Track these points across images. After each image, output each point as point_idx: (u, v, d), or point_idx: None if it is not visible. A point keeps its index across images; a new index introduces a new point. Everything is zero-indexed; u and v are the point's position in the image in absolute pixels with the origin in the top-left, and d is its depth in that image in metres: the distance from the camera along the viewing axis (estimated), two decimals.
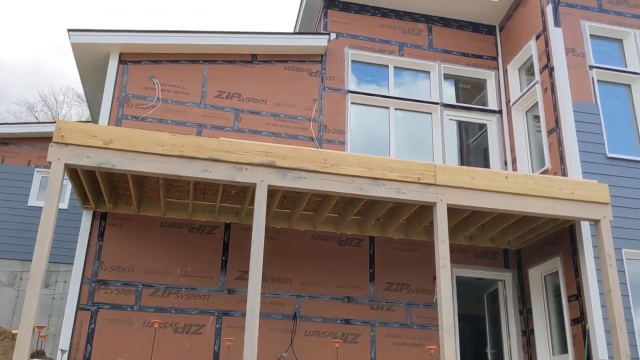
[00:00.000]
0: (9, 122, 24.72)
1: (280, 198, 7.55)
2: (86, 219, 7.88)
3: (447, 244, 6.47)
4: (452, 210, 7.24)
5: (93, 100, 9.97)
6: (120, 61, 8.79)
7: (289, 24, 42.12)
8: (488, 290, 9.32)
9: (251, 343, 5.69)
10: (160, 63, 8.94)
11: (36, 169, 13.02)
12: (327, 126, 9.20)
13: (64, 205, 12.91)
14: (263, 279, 8.13)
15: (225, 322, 7.75)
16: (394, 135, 9.59)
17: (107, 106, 8.46)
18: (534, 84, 9.12)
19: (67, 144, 5.92)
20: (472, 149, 10.57)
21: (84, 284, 7.54)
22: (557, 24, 8.79)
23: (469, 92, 10.62)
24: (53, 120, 28.48)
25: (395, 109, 9.80)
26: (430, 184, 6.66)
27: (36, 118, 31.14)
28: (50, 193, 5.74)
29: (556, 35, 8.72)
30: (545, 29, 8.99)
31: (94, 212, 7.89)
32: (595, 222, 7.08)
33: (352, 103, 9.51)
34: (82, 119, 33.26)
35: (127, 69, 8.78)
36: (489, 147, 9.93)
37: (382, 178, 6.56)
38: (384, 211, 7.79)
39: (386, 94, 9.79)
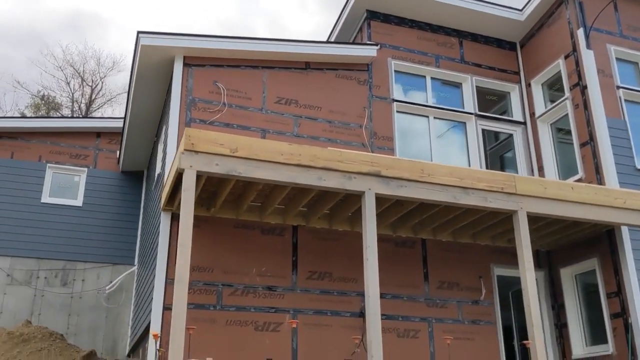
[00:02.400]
0: (16, 116, 23.82)
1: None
2: (165, 221, 7.99)
3: (530, 249, 7.16)
4: (509, 218, 7.95)
5: (140, 100, 9.99)
6: (185, 64, 8.92)
7: (320, 32, 42.52)
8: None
9: (377, 345, 6.12)
10: (222, 67, 9.13)
11: (48, 165, 12.69)
12: (376, 133, 9.70)
13: (78, 202, 12.69)
14: (329, 278, 8.62)
15: (301, 319, 8.11)
16: (435, 142, 10.23)
17: (176, 109, 8.58)
18: (564, 100, 10.00)
19: (197, 152, 6.11)
20: (490, 155, 11.40)
21: (168, 284, 7.69)
22: (588, 46, 9.70)
23: (489, 102, 11.41)
24: (62, 115, 27.19)
25: (434, 117, 10.45)
26: (511, 194, 7.33)
27: None
28: (186, 199, 5.94)
29: (588, 57, 9.63)
30: (575, 49, 9.89)
31: (173, 214, 8.02)
32: None
33: (397, 112, 10.06)
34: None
35: (192, 72, 8.91)
36: (515, 155, 10.77)
37: (471, 187, 7.17)
38: (448, 218, 8.38)
39: (426, 103, 10.42)
